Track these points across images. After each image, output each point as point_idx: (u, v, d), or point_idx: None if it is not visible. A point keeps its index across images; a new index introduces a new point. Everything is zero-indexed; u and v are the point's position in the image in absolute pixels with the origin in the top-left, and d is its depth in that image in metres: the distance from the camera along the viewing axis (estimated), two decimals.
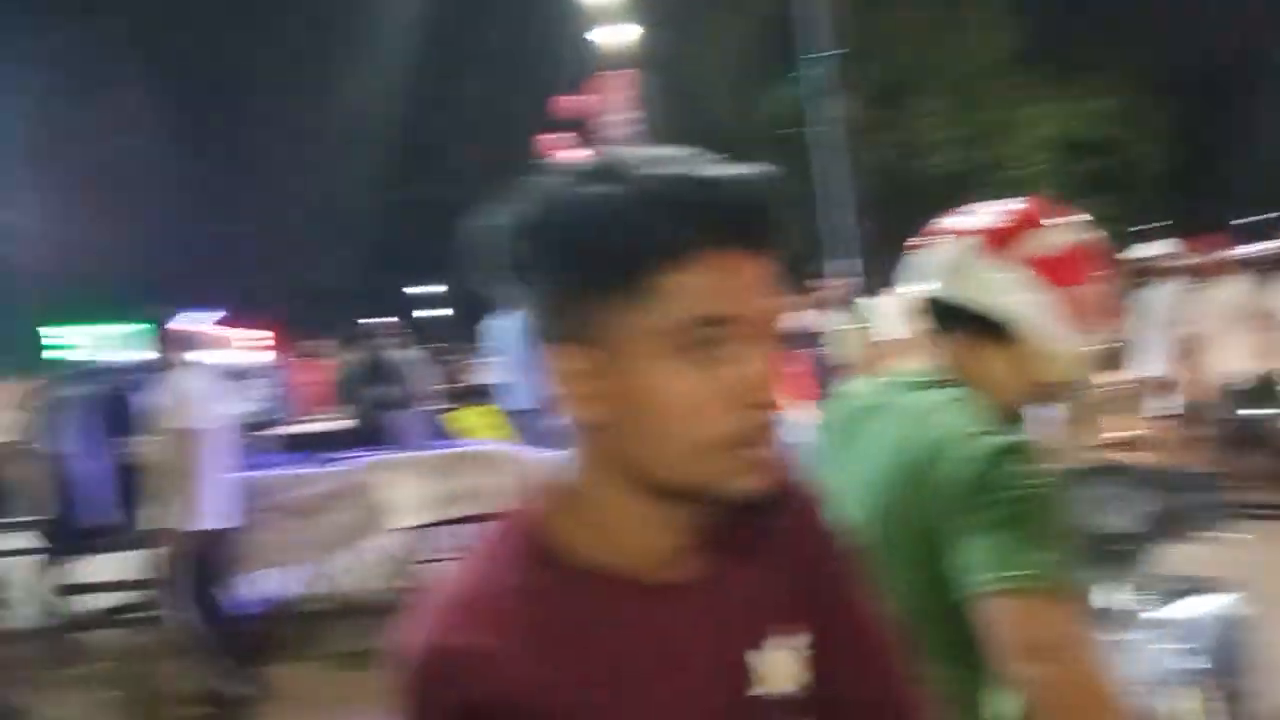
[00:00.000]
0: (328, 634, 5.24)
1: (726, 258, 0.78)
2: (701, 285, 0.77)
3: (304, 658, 4.99)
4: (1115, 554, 1.86)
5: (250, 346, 10.30)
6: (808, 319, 8.02)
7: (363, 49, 27.10)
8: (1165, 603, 1.89)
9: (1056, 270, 1.43)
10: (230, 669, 4.31)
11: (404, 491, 5.02)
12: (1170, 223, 29.68)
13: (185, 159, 25.52)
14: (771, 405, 0.80)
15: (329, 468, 5.09)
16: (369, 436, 8.52)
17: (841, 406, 1.58)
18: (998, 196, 1.59)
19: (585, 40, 15.59)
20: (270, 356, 11.96)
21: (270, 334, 10.94)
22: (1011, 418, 1.46)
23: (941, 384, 1.45)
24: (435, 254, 28.19)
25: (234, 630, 4.38)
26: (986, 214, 1.52)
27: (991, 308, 1.43)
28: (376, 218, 27.81)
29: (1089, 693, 1.24)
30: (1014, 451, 1.32)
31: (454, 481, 5.09)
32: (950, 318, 1.47)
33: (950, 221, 1.54)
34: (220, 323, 12.19)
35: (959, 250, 1.47)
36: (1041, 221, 1.48)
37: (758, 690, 0.92)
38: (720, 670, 0.89)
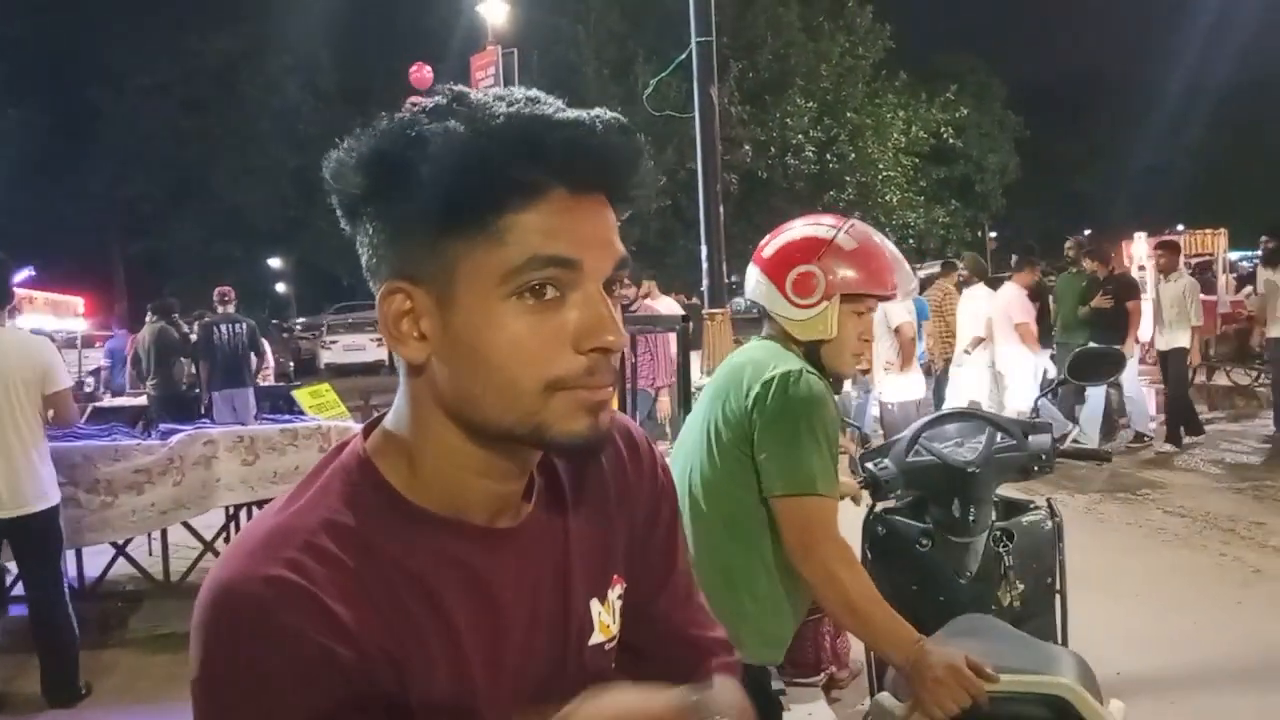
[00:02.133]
0: (147, 615, 5.01)
1: (575, 201, 0.76)
2: (548, 226, 0.75)
3: (122, 641, 4.75)
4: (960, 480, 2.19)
5: (63, 311, 9.65)
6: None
7: (228, 7, 25.85)
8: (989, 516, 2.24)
9: (787, 258, 2.02)
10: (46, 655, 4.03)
11: (231, 467, 4.81)
12: (1014, 231, 31.47)
13: (26, 114, 23.86)
14: (609, 350, 0.77)
15: (151, 441, 4.83)
16: (189, 410, 8.16)
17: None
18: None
19: (472, 14, 15.32)
20: (84, 323, 11.28)
21: (81, 299, 10.27)
22: (811, 361, 2.00)
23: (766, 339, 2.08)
24: (292, 225, 27.39)
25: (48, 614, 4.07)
26: (770, 234, 2.15)
27: (755, 298, 2.09)
28: (232, 184, 26.59)
29: (845, 568, 1.83)
30: (794, 381, 1.88)
31: (287, 458, 4.91)
32: (761, 311, 2.10)
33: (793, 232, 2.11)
34: (26, 284, 11.39)
35: (749, 267, 2.12)
36: (788, 227, 2.11)
37: (596, 639, 0.90)
38: (558, 619, 0.87)
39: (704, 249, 7.61)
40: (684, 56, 7.61)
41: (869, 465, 2.30)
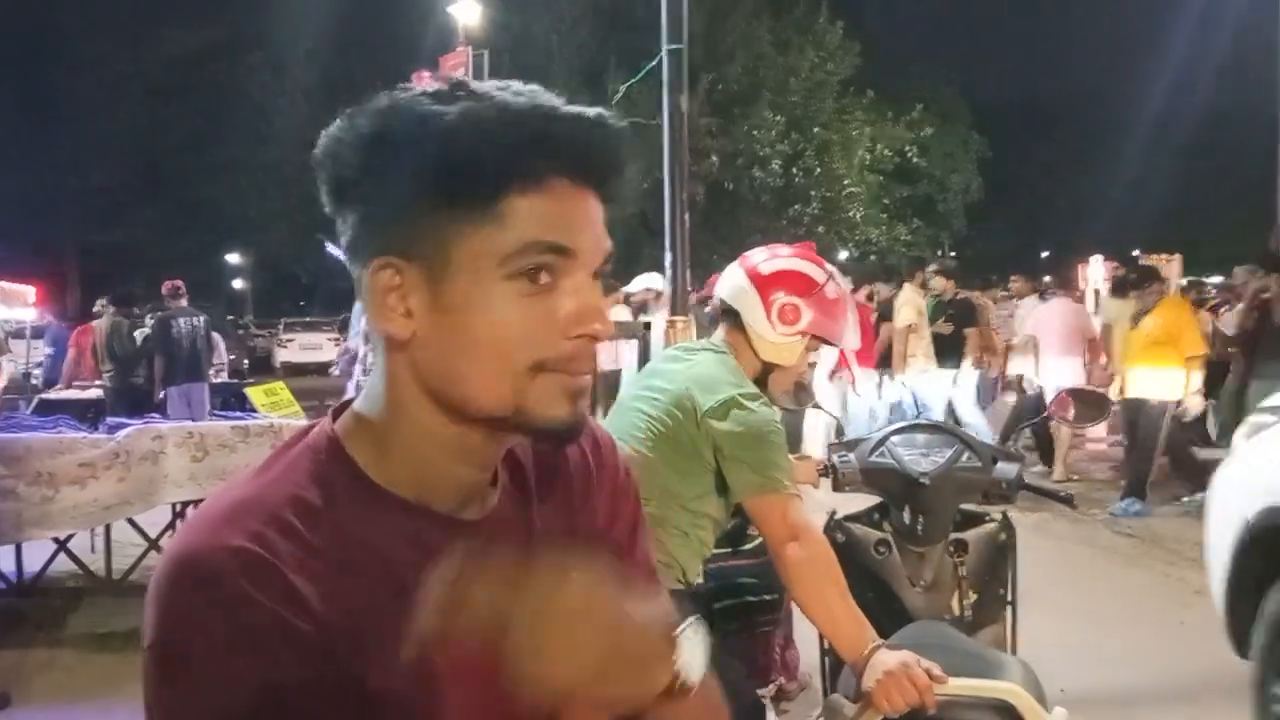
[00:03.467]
0: (88, 613, 4.90)
1: (572, 191, 0.78)
2: (546, 212, 0.77)
3: (61, 640, 4.64)
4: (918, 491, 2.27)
5: (13, 300, 9.45)
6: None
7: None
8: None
9: (781, 284, 2.20)
10: None
11: (180, 464, 4.72)
12: (976, 251, 31.90)
13: None
14: (596, 337, 0.79)
15: (97, 434, 4.73)
16: (138, 403, 8.01)
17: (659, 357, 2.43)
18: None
19: (444, 15, 15.28)
20: (34, 313, 11.05)
21: (32, 289, 10.06)
22: (759, 378, 2.22)
23: (709, 349, 2.27)
24: (254, 220, 27.08)
25: None
26: (766, 249, 2.34)
27: (734, 303, 2.24)
28: (195, 179, 26.22)
29: (824, 557, 1.99)
30: (749, 398, 2.11)
31: (238, 456, 4.83)
32: (726, 310, 2.27)
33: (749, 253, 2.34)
34: None
35: (734, 266, 2.30)
36: (790, 255, 2.28)
37: None
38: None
39: (668, 256, 7.64)
40: (654, 64, 7.64)
41: (834, 456, 2.41)
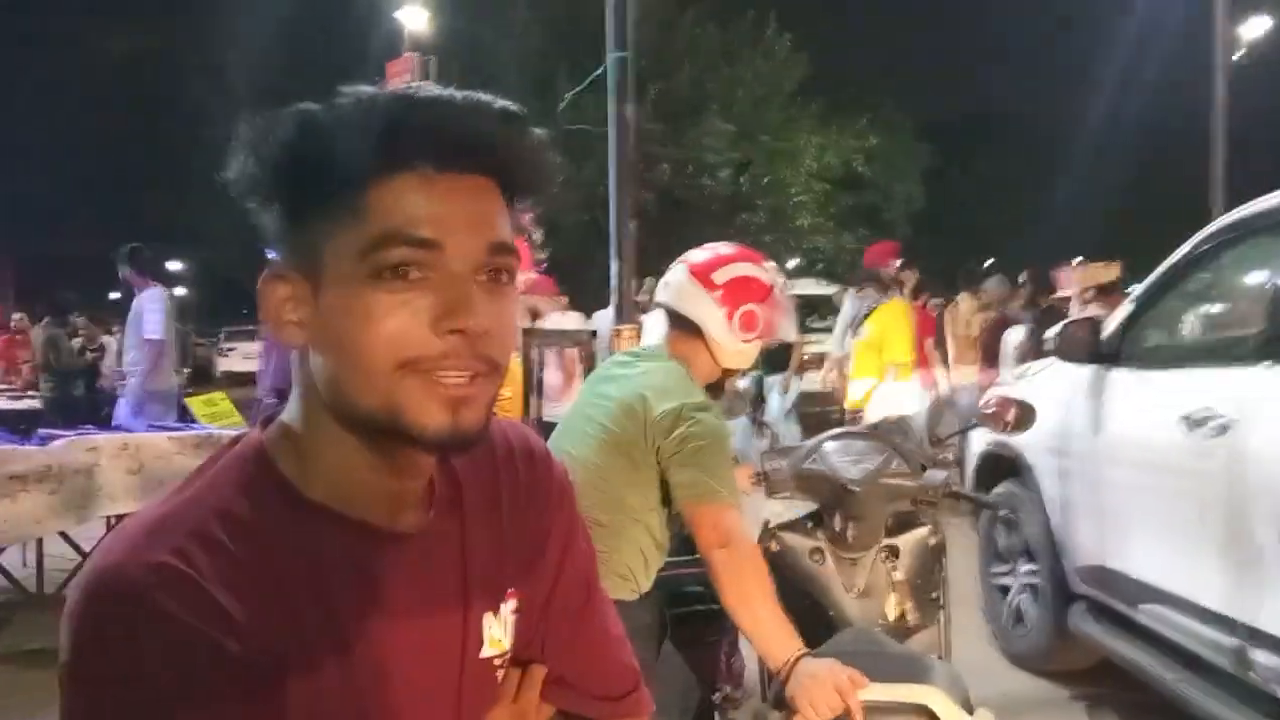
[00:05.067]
0: (18, 629, 4.77)
1: (443, 181, 0.75)
2: (408, 206, 0.74)
3: None
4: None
5: None
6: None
7: (134, 5, 25.08)
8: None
9: (740, 292, 2.21)
10: None
11: (115, 476, 4.60)
12: (922, 260, 32.37)
13: None
14: (466, 333, 0.75)
15: (29, 446, 4.60)
16: (70, 414, 7.86)
17: (605, 364, 2.41)
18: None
19: (391, 20, 15.14)
20: None
21: None
22: (709, 385, 2.25)
23: (657, 357, 2.28)
24: (194, 227, 26.60)
25: None
26: (706, 250, 2.31)
27: (690, 313, 2.24)
28: (132, 187, 25.73)
29: (751, 565, 2.00)
30: (698, 408, 2.11)
31: (174, 467, 4.72)
32: (674, 317, 2.28)
33: (687, 254, 2.30)
34: None
35: (680, 273, 2.28)
36: (736, 259, 2.28)
37: (486, 653, 0.89)
38: (450, 630, 0.85)
39: (614, 264, 7.64)
40: (600, 72, 7.67)
41: (767, 463, 2.45)
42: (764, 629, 1.94)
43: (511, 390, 4.56)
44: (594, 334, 5.00)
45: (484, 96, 0.77)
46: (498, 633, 0.91)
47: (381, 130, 0.73)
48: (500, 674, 0.93)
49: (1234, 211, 3.21)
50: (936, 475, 2.36)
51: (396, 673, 0.80)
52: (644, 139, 21.42)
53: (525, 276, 9.66)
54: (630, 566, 2.17)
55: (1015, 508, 3.92)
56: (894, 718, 1.74)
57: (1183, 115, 20.59)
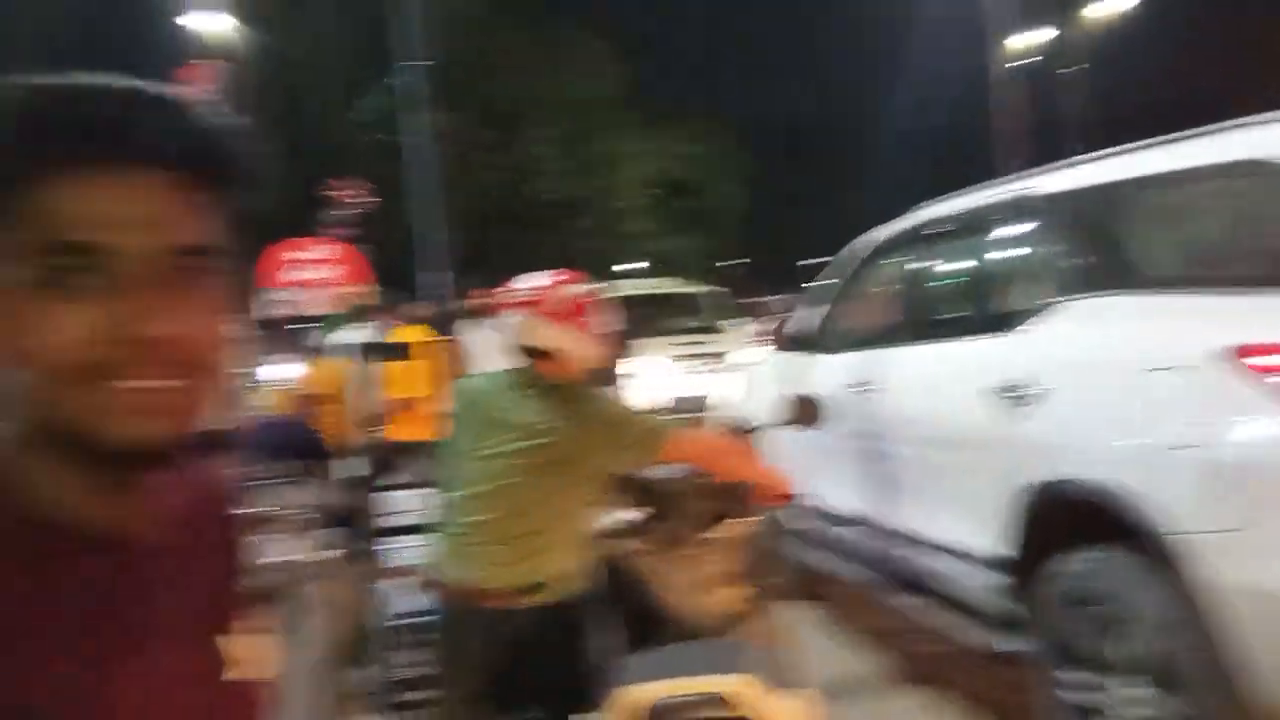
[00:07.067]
0: None
1: (96, 179, 0.68)
2: (64, 207, 0.67)
3: None
4: None
5: None
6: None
7: None
8: None
9: (587, 315, 2.36)
10: None
11: None
12: (747, 260, 33.42)
13: None
14: (153, 343, 0.69)
15: None
16: None
17: (466, 386, 2.52)
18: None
19: (179, 26, 14.63)
20: None
21: None
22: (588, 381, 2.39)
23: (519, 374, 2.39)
24: None
25: None
26: (536, 282, 2.43)
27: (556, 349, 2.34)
28: None
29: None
30: (588, 395, 2.29)
31: None
32: (541, 354, 2.36)
33: (517, 285, 2.45)
34: None
35: (533, 322, 2.34)
36: (562, 284, 2.39)
37: (232, 675, 0.84)
38: (194, 652, 0.80)
39: (433, 275, 7.54)
40: (392, 80, 7.66)
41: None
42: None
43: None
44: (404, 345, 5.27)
45: (130, 81, 0.70)
46: (238, 653, 0.85)
47: (36, 127, 0.67)
48: (252, 697, 0.87)
49: (883, 226, 4.26)
50: None
51: (142, 700, 0.74)
52: (470, 146, 21.25)
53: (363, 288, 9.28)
54: (571, 570, 2.24)
55: None
56: (703, 709, 1.78)
57: (968, 118, 22.46)
